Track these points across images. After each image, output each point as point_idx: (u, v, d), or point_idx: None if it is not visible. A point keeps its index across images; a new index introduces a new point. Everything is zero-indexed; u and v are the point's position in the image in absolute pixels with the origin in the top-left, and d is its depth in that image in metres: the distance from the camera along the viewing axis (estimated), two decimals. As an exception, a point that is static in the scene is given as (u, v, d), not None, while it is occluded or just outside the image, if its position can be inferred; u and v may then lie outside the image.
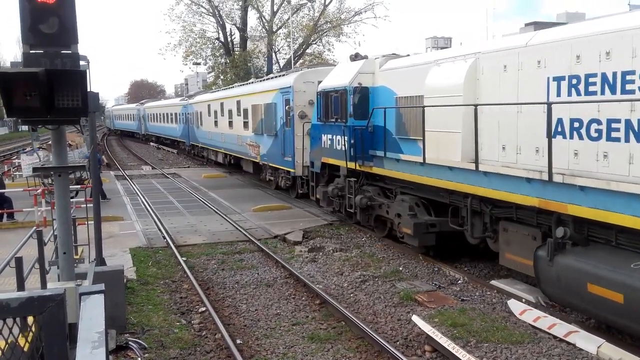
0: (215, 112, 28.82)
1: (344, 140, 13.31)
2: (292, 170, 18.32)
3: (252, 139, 22.54)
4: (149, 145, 52.43)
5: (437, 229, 11.16)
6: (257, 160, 22.34)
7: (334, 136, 14.09)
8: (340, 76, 14.07)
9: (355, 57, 14.03)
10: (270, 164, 20.84)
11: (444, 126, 9.99)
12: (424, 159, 10.58)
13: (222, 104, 27.52)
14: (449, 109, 9.78)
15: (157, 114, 49.76)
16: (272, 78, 22.17)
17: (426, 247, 11.66)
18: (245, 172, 26.26)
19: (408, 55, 12.82)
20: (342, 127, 13.43)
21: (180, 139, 40.62)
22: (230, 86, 30.37)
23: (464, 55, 9.92)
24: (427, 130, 10.37)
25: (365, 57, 13.70)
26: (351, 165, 13.25)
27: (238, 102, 24.52)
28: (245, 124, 23.41)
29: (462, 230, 10.35)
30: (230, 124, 25.87)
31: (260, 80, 23.96)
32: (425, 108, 10.39)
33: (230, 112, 25.95)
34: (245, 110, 23.40)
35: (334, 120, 13.89)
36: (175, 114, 41.29)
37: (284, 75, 20.78)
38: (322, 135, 14.92)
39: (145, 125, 55.74)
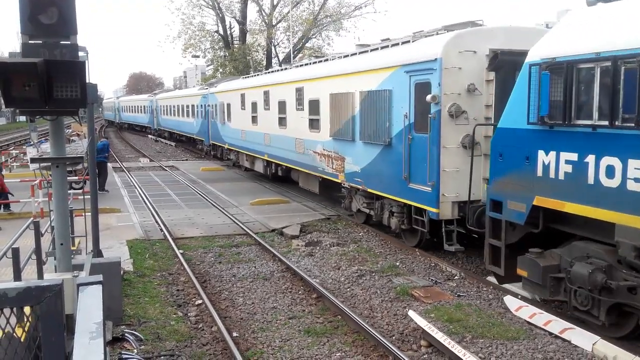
0: (254, 104, 21.92)
1: None
2: (432, 209, 10.73)
3: (329, 147, 15.27)
4: (147, 137, 52.33)
5: None
6: (339, 180, 14.85)
7: (593, 158, 7.21)
8: (622, 25, 7.02)
9: None
10: (371, 190, 13.23)
11: None
12: None
13: (266, 93, 20.47)
14: None
15: (170, 106, 42.65)
16: (376, 49, 13.58)
17: None
18: (303, 189, 18.85)
19: None
20: None
21: (198, 137, 33.80)
22: (282, 67, 23.23)
23: None
24: None
25: None
26: None
27: (299, 91, 17.27)
28: (313, 123, 16.20)
29: None
30: (282, 121, 18.86)
31: (345, 56, 15.42)
32: None
33: (282, 104, 18.82)
34: (314, 103, 16.12)
35: (603, 122, 7.05)
36: (192, 105, 34.18)
37: (408, 42, 12.18)
38: (539, 152, 8.07)
39: (158, 119, 48.95)
